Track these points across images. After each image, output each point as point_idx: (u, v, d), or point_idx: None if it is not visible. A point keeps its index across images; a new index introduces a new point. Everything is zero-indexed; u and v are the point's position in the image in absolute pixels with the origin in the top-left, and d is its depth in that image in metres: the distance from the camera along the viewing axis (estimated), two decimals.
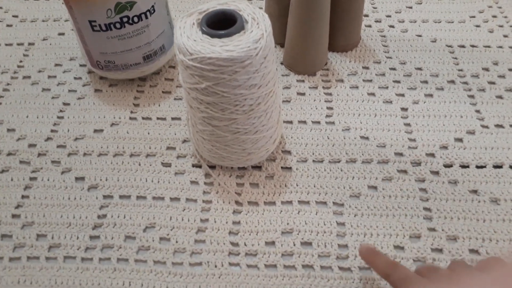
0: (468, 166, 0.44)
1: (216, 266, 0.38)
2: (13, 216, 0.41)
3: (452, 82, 0.52)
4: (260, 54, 0.34)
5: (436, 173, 0.44)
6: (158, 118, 0.49)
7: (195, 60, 0.34)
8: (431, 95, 0.50)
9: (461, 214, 0.41)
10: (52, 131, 0.48)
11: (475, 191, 0.42)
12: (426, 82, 0.52)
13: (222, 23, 0.36)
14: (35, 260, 0.39)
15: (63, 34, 0.59)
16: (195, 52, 0.34)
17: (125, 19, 0.45)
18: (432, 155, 0.45)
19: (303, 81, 0.52)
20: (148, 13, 0.46)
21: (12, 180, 0.44)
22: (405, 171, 0.44)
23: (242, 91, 0.36)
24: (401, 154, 0.45)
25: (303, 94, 0.51)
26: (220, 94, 0.36)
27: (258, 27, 0.35)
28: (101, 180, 0.44)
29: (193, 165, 0.45)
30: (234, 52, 0.33)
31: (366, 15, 0.60)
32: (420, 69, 0.53)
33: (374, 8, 0.61)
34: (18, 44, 0.58)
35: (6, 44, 0.58)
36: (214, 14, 0.36)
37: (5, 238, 0.40)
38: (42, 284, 0.37)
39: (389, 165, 0.44)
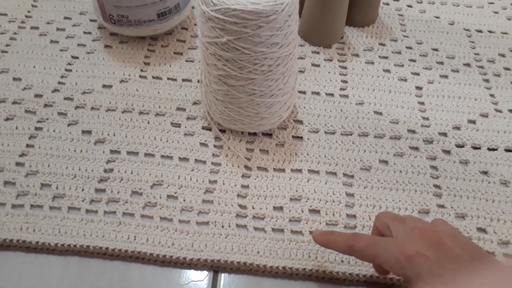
0: (479, 148, 0.44)
1: (223, 227, 0.37)
2: (17, 164, 0.40)
3: (468, 65, 0.51)
4: (285, 11, 0.33)
5: (448, 152, 0.43)
6: (168, 79, 0.48)
7: (218, 11, 0.33)
8: (446, 76, 0.50)
9: (470, 194, 0.41)
10: (59, 83, 0.47)
11: (485, 172, 0.42)
12: (442, 63, 0.51)
13: None
14: (39, 208, 0.38)
15: None
16: (219, 2, 0.33)
17: None
18: (445, 134, 0.45)
19: (318, 52, 0.51)
20: None
21: (17, 128, 0.43)
22: (417, 148, 0.43)
23: (263, 49, 0.35)
24: (413, 132, 0.45)
25: (318, 65, 0.50)
26: (240, 50, 0.35)
27: None
28: (108, 134, 0.43)
29: (203, 128, 0.44)
30: (260, 5, 0.32)
31: None
32: (436, 50, 0.52)
33: None
34: None
35: None
36: None
37: (8, 185, 0.39)
38: (45, 232, 0.36)
39: (401, 141, 0.44)
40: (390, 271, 0.31)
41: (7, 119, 0.44)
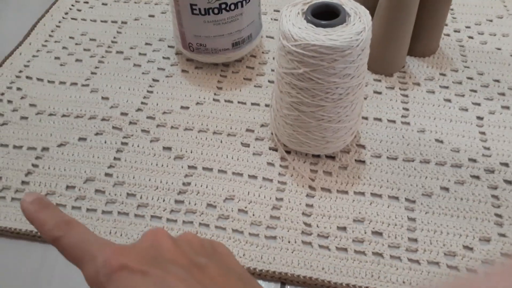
0: None
1: (289, 242, 0.40)
2: (106, 174, 0.45)
3: None
4: (360, 46, 0.36)
5: (509, 182, 0.44)
6: (239, 102, 0.52)
7: (298, 46, 0.36)
8: (508, 108, 0.51)
9: None
10: (142, 103, 0.52)
11: None
12: (503, 94, 0.52)
13: (324, 14, 0.38)
14: (125, 215, 0.42)
15: (153, 16, 0.63)
16: (299, 38, 0.36)
17: (223, 6, 0.48)
18: (506, 164, 0.46)
19: (380, 80, 0.54)
20: (244, 2, 0.49)
21: (105, 142, 0.48)
22: (477, 177, 0.45)
23: (336, 80, 0.38)
24: (474, 160, 0.46)
25: (380, 93, 0.52)
26: (314, 80, 0.38)
27: (360, 20, 0.37)
28: (186, 151, 0.47)
29: (270, 148, 0.47)
30: (337, 41, 0.35)
31: (446, 24, 0.60)
32: (498, 81, 0.53)
33: (453, 18, 0.62)
34: (112, 22, 0.63)
35: (102, 21, 0.63)
36: (318, 6, 0.38)
37: (98, 193, 0.44)
38: (131, 237, 0.41)
39: (462, 170, 0.45)
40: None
41: (97, 134, 0.49)
